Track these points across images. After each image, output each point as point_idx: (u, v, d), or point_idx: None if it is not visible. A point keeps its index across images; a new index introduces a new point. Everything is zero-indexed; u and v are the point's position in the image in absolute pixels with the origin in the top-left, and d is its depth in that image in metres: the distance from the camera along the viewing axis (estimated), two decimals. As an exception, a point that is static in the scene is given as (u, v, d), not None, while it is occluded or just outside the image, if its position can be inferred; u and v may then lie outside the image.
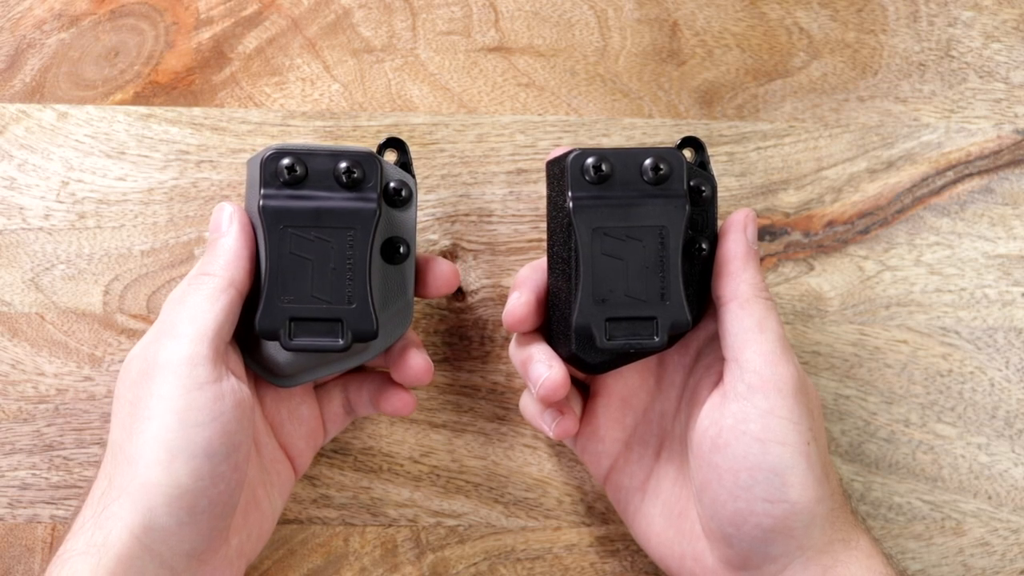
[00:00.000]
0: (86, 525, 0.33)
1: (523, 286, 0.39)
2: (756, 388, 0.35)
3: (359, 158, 0.36)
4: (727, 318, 0.36)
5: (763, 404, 0.35)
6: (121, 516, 0.33)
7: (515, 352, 0.39)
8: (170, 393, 0.33)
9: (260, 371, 0.38)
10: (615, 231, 0.36)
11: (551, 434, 0.39)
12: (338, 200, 0.36)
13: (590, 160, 0.36)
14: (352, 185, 0.36)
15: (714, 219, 0.39)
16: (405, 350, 0.39)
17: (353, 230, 0.36)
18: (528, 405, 0.40)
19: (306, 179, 0.36)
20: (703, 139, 0.40)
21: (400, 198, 0.38)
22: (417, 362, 0.39)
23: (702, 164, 0.40)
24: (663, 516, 0.39)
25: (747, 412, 0.35)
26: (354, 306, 0.36)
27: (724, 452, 0.35)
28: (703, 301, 0.39)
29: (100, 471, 0.35)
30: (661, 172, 0.36)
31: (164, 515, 0.33)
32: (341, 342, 0.36)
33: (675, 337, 0.38)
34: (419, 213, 0.44)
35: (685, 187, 0.37)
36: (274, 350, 0.38)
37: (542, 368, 0.37)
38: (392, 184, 0.38)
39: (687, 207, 0.36)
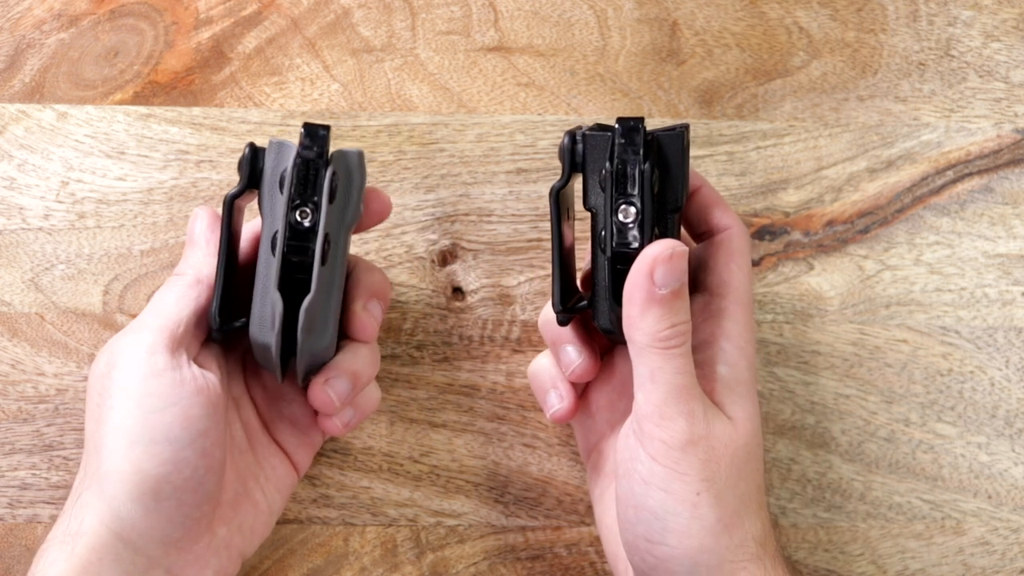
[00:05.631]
0: (64, 514, 0.35)
1: (573, 340, 0.39)
2: (645, 434, 0.35)
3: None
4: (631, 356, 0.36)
5: (650, 449, 0.34)
6: (92, 505, 0.34)
7: (550, 329, 0.40)
8: (128, 382, 0.34)
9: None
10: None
11: (549, 414, 0.40)
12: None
13: (566, 141, 0.37)
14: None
15: (675, 185, 0.37)
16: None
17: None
18: (539, 373, 0.40)
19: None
20: (703, 138, 0.40)
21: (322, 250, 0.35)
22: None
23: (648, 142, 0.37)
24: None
25: (637, 452, 0.35)
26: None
27: (620, 482, 0.36)
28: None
29: (81, 463, 0.37)
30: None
31: (127, 502, 0.33)
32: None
33: None
34: (419, 213, 0.44)
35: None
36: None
37: (574, 353, 0.39)
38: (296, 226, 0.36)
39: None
